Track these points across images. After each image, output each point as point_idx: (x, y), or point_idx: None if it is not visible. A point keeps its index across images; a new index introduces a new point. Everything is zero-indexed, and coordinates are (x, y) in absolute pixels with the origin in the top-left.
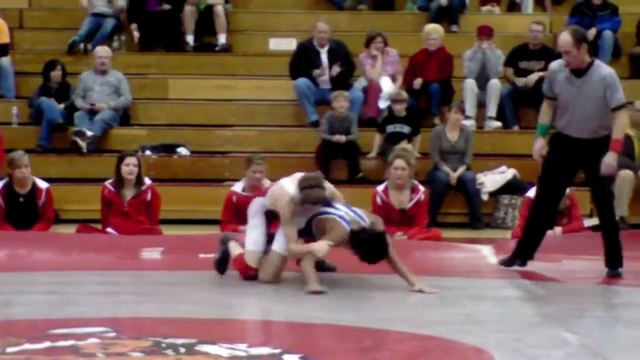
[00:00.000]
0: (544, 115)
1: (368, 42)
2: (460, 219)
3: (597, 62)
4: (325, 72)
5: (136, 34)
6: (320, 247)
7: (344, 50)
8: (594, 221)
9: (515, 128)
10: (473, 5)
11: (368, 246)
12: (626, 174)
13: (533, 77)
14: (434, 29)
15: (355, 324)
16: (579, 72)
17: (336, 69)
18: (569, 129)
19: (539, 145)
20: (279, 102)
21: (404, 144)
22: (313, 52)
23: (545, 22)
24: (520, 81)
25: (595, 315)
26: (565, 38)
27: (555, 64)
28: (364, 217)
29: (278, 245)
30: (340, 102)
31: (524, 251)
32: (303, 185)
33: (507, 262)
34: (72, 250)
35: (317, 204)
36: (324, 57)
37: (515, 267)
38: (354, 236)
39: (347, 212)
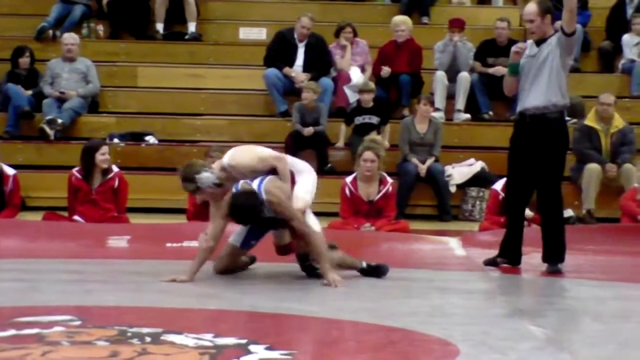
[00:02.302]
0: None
1: (337, 33)
2: (428, 211)
3: (560, 33)
4: (297, 80)
5: (100, 28)
6: None
7: (322, 47)
8: (568, 213)
9: (490, 113)
10: None
11: (232, 201)
12: (593, 167)
13: (502, 70)
14: (402, 21)
15: (322, 315)
16: (539, 42)
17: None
18: (525, 102)
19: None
20: (249, 91)
21: (374, 135)
22: (291, 46)
23: (515, 15)
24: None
25: (562, 309)
26: (530, 7)
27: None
28: (262, 190)
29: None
30: (309, 93)
31: (509, 252)
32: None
33: (491, 262)
34: (38, 238)
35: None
36: (300, 52)
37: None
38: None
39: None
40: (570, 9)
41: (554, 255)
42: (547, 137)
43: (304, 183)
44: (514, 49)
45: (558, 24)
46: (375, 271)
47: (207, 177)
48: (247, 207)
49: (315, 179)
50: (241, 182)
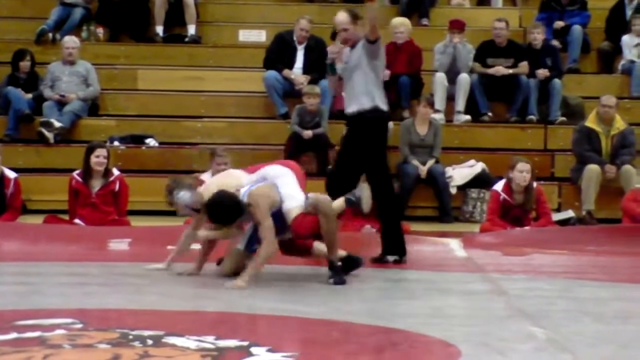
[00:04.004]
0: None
1: (334, 35)
2: (429, 213)
3: (364, 40)
4: (297, 82)
5: (100, 31)
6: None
7: (321, 50)
8: (562, 215)
9: (490, 114)
10: None
11: (209, 199)
12: (593, 168)
13: (501, 70)
14: (401, 22)
15: (323, 317)
16: (352, 47)
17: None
18: (347, 104)
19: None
20: (249, 93)
21: None
22: (290, 48)
23: (515, 16)
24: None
25: (562, 309)
26: (342, 16)
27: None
28: (246, 194)
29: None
30: (311, 98)
31: (392, 246)
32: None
33: (378, 260)
34: (39, 241)
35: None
36: (300, 54)
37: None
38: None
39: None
40: (370, 22)
41: (392, 250)
42: (364, 136)
43: (287, 185)
44: (330, 55)
45: (558, 24)
46: (349, 263)
47: (184, 198)
48: (222, 205)
49: (294, 178)
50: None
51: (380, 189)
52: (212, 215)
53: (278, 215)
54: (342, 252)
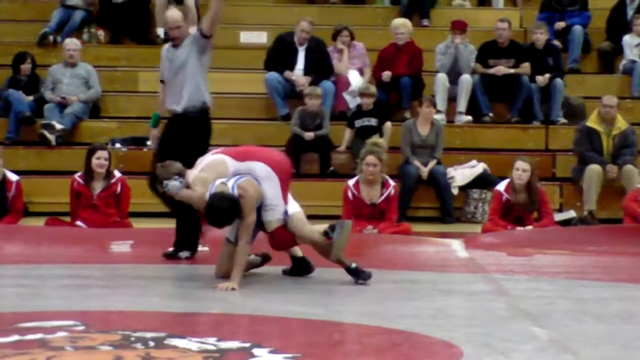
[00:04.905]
0: (162, 103)
1: (334, 36)
2: (430, 213)
3: (197, 34)
4: (298, 83)
5: (101, 33)
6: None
7: (322, 51)
8: (563, 216)
9: (491, 114)
10: (444, 0)
11: (208, 203)
12: (594, 168)
13: (503, 69)
14: (401, 24)
15: (325, 318)
16: (176, 45)
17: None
18: (171, 102)
19: (153, 136)
20: (250, 95)
21: (376, 138)
22: (291, 49)
23: (516, 17)
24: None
25: (564, 310)
26: (175, 14)
27: None
28: (235, 186)
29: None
30: (312, 100)
31: (185, 241)
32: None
33: (170, 255)
34: (41, 243)
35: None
36: (301, 55)
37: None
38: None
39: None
40: (214, 17)
41: (184, 245)
42: (189, 135)
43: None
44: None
45: (558, 24)
46: (357, 274)
47: (174, 186)
48: (222, 210)
49: (278, 182)
50: (217, 181)
51: None
52: (213, 221)
53: (257, 216)
54: (298, 252)
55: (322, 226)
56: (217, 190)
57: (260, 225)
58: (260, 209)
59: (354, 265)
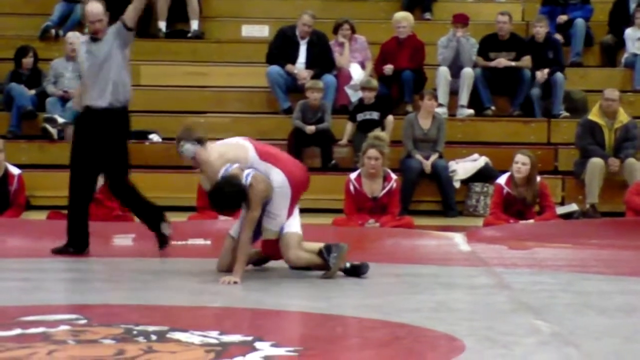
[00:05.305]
0: (78, 97)
1: (336, 30)
2: (432, 207)
3: (120, 25)
4: (300, 77)
5: None
6: None
7: (324, 44)
8: (565, 209)
9: (493, 108)
10: None
11: (214, 187)
12: (596, 161)
13: (503, 62)
14: (403, 17)
15: (327, 312)
16: (96, 39)
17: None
18: (90, 97)
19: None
20: (252, 89)
21: (378, 132)
22: (293, 43)
23: (518, 10)
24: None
25: (566, 303)
26: (96, 7)
27: None
28: (250, 175)
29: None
30: (314, 93)
31: (76, 240)
32: None
33: (60, 251)
34: (43, 237)
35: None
36: (303, 49)
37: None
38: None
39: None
40: (137, 7)
41: (74, 243)
42: (110, 130)
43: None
44: None
45: (560, 18)
46: (356, 270)
47: (188, 149)
48: (226, 194)
49: (290, 196)
50: (235, 165)
51: (120, 183)
52: (216, 205)
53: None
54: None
55: (317, 244)
56: (231, 173)
57: (259, 227)
58: (263, 212)
59: (348, 264)
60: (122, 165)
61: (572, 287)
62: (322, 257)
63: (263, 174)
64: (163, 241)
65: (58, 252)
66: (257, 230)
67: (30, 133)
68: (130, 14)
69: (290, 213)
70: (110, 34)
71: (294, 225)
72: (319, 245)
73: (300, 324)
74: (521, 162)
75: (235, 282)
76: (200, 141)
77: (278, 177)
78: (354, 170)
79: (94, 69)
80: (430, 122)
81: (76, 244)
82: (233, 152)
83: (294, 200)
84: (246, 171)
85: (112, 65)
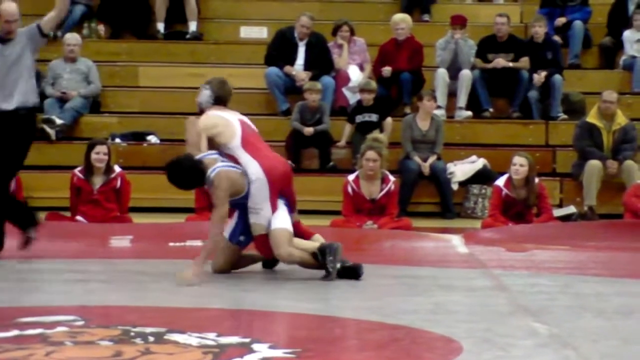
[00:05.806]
0: None
1: (335, 31)
2: (430, 209)
3: (35, 29)
4: (298, 78)
5: (101, 28)
6: None
7: (322, 46)
8: (563, 211)
9: (491, 110)
10: None
11: (170, 160)
12: (594, 163)
13: (501, 62)
14: (401, 19)
15: (325, 313)
16: (7, 40)
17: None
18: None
19: None
20: (250, 90)
21: (376, 134)
22: (291, 44)
23: (516, 12)
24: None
25: (564, 305)
26: (11, 6)
27: None
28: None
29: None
30: (312, 95)
31: None
32: None
33: None
34: (40, 238)
35: None
36: (301, 50)
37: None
38: None
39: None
40: (58, 15)
41: None
42: (14, 134)
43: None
44: None
45: (559, 20)
46: (350, 272)
47: (203, 95)
48: (181, 173)
49: (267, 187)
50: (213, 153)
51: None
52: (169, 175)
53: (243, 215)
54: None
55: (310, 243)
56: (205, 159)
57: (248, 227)
58: (247, 210)
59: (339, 265)
60: (14, 169)
61: (570, 289)
62: (318, 260)
63: (233, 169)
64: (27, 242)
65: None
66: (234, 234)
67: None
68: (50, 21)
69: (274, 206)
70: (23, 36)
71: (281, 220)
72: (312, 244)
73: (298, 326)
74: (519, 164)
75: (192, 283)
76: (219, 100)
77: (254, 169)
78: (352, 171)
79: (2, 71)
80: (428, 124)
81: None
82: (221, 129)
83: (273, 193)
84: (216, 164)
85: (21, 68)
